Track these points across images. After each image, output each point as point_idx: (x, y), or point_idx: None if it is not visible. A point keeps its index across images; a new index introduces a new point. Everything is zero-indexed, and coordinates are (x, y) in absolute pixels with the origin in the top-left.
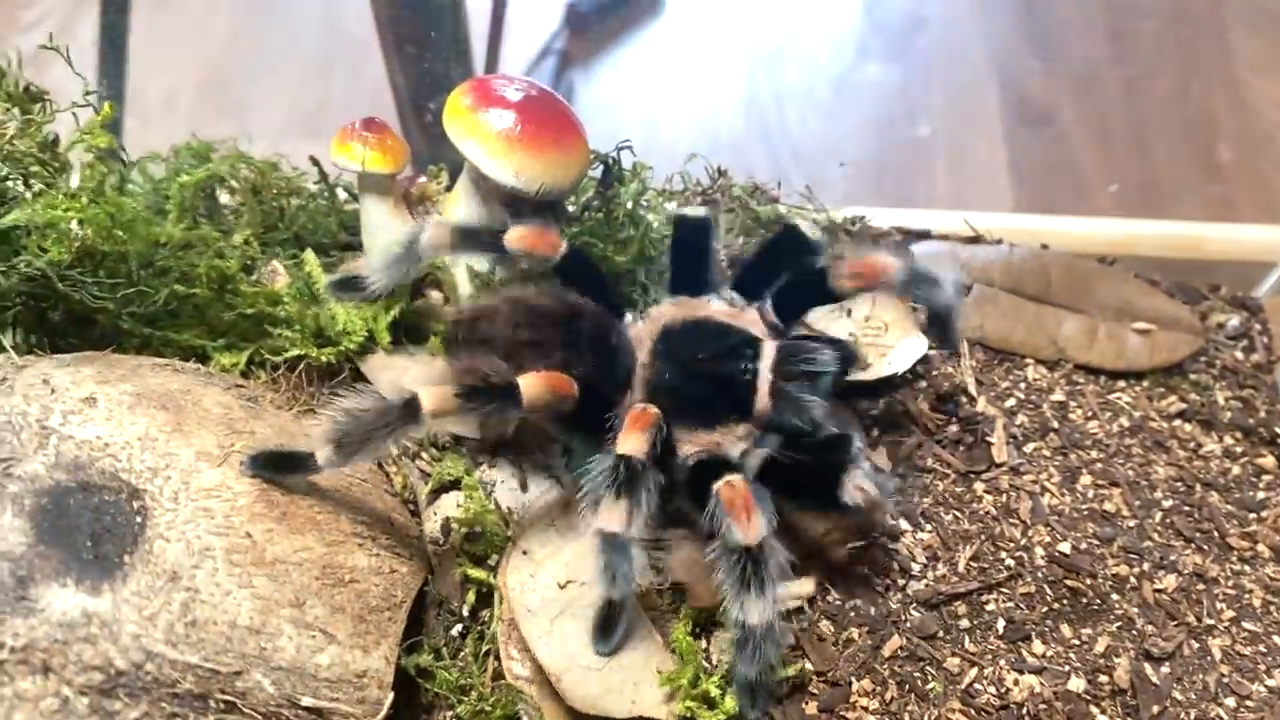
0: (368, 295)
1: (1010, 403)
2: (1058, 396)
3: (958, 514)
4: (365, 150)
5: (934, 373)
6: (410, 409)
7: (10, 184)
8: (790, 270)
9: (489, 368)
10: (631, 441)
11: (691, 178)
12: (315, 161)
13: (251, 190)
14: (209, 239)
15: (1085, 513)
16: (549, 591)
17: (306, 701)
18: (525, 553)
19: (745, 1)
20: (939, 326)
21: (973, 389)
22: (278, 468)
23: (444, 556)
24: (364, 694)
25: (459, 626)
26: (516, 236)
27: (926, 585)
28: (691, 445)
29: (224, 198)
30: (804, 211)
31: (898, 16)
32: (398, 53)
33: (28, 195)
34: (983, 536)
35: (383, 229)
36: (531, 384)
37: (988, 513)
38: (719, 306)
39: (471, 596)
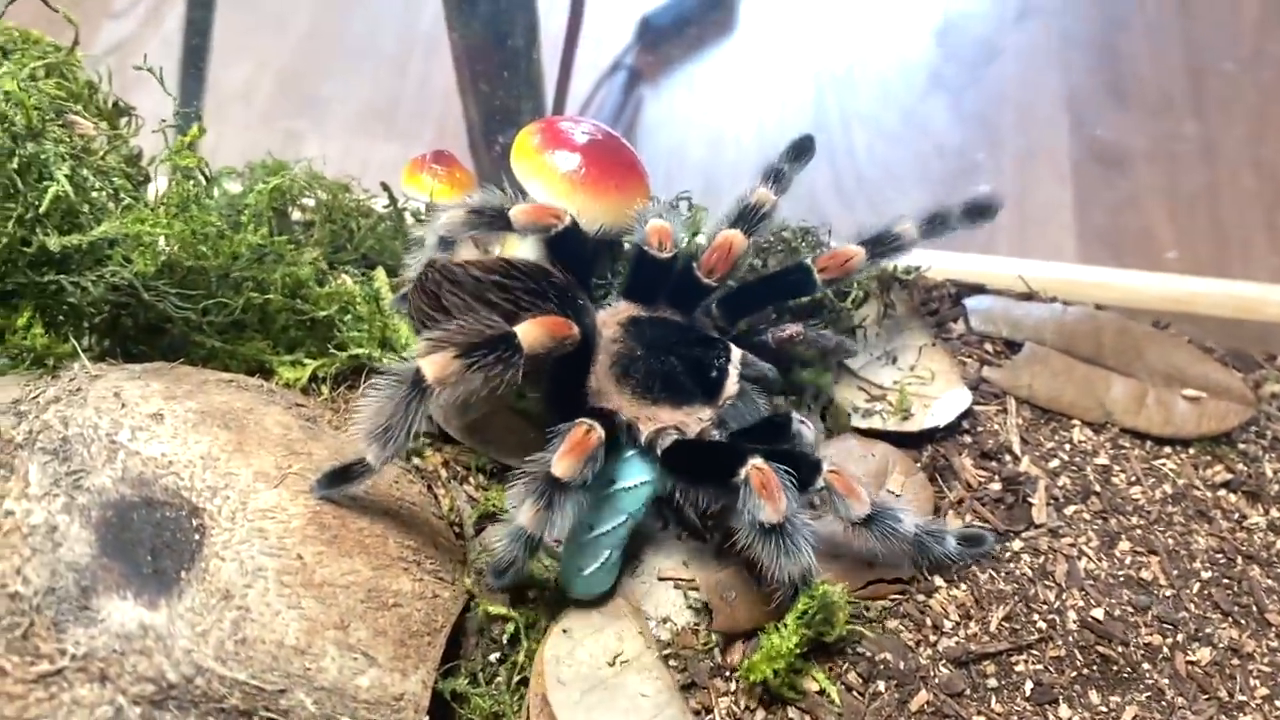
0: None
1: (1054, 463)
2: (1102, 460)
3: (993, 573)
4: (434, 182)
5: (979, 428)
6: (418, 381)
7: (97, 195)
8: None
9: (480, 324)
10: (565, 465)
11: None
12: (386, 187)
13: (323, 209)
14: (282, 248)
15: (1122, 579)
16: (584, 668)
17: None
18: (566, 631)
19: (818, 23)
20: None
21: (1017, 448)
22: (340, 482)
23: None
24: (400, 716)
25: (496, 654)
26: (521, 211)
27: (957, 643)
28: (653, 422)
29: (295, 215)
30: None
31: (971, 46)
32: (472, 88)
33: (113, 208)
34: (1016, 597)
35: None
36: (529, 329)
37: (1023, 573)
38: (670, 313)
39: (510, 626)
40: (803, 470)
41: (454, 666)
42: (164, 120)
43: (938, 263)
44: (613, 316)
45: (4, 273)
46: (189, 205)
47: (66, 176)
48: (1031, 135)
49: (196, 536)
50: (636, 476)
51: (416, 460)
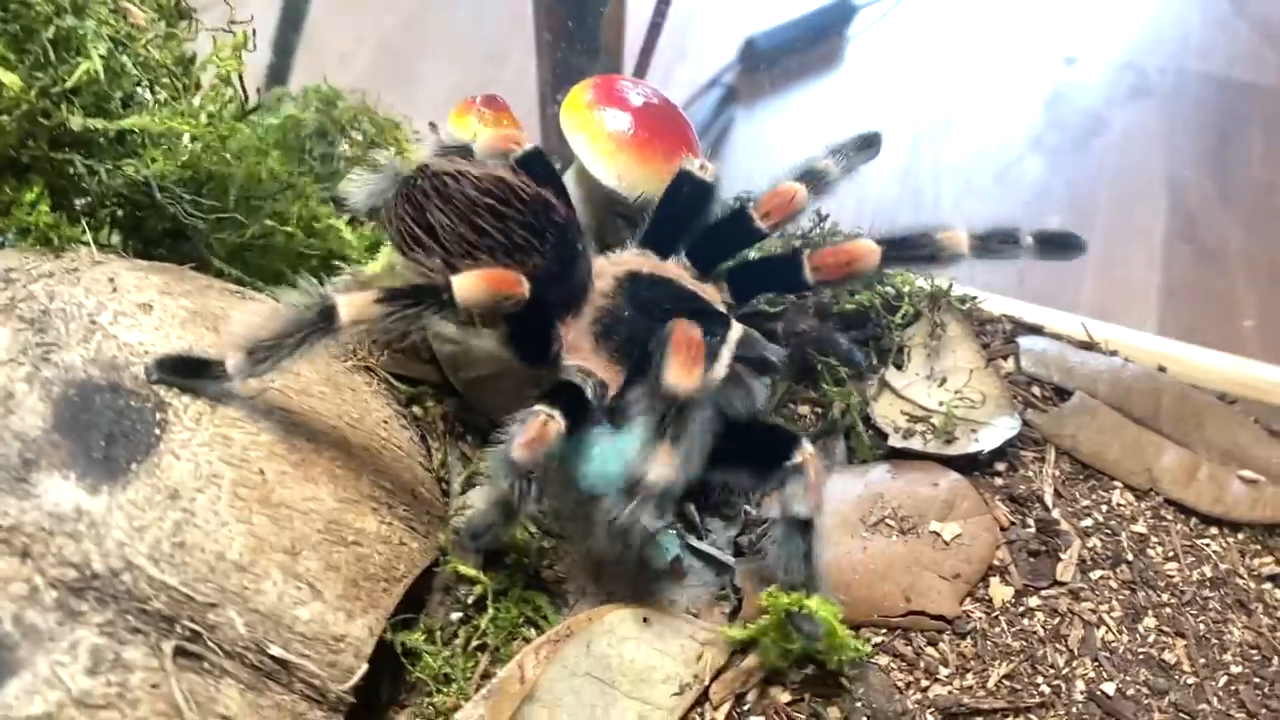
0: (348, 211)
1: (1086, 522)
2: (1139, 528)
3: (1004, 626)
4: (478, 125)
5: (1014, 472)
6: (327, 316)
7: (134, 87)
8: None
9: (423, 267)
10: (522, 454)
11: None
12: (434, 126)
13: (369, 145)
14: (307, 190)
15: (1141, 657)
16: (604, 662)
17: (274, 650)
18: (629, 620)
19: (925, 71)
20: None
21: (1049, 499)
22: (185, 373)
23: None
24: (338, 658)
25: (459, 614)
26: (481, 142)
27: (950, 692)
28: (631, 389)
29: (344, 147)
30: (900, 276)
31: (1078, 116)
32: (547, 46)
33: (149, 102)
34: (1023, 655)
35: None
36: (468, 284)
37: (1035, 632)
38: (682, 272)
39: (478, 589)
40: (778, 445)
41: (412, 620)
42: (222, 29)
43: (996, 299)
44: (613, 266)
45: (20, 143)
46: (223, 112)
47: (101, 58)
48: (1126, 213)
49: (157, 431)
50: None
51: (416, 408)
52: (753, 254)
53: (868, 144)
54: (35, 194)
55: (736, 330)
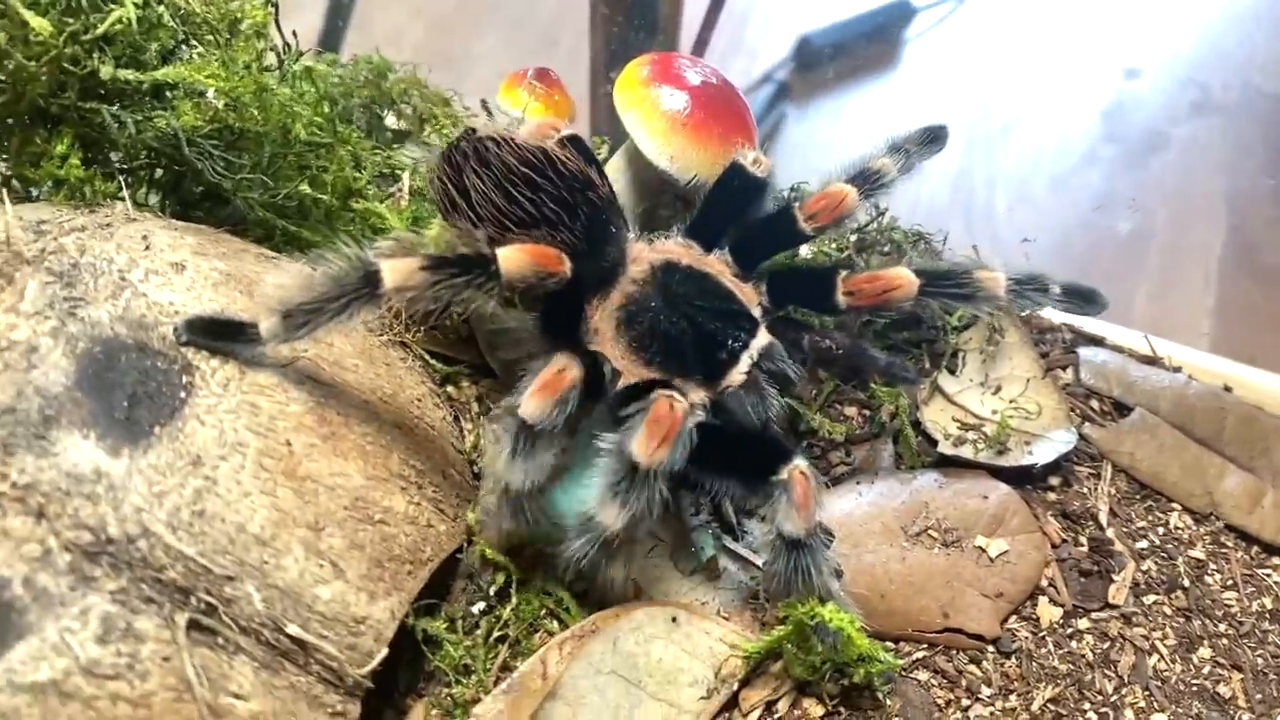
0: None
1: (1141, 544)
2: (1197, 553)
3: (1051, 648)
4: (529, 99)
5: (1068, 487)
6: (370, 282)
7: (182, 47)
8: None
9: (465, 237)
10: (533, 404)
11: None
12: (485, 105)
13: (418, 119)
14: (350, 139)
15: (1194, 688)
16: (630, 660)
17: (292, 629)
18: (662, 618)
19: (982, 76)
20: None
21: (1104, 518)
22: (216, 335)
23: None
24: (357, 641)
25: (481, 604)
26: (524, 130)
27: (991, 714)
28: (639, 383)
29: (390, 120)
30: None
31: (1138, 130)
32: (595, 14)
33: (186, 56)
34: (1070, 680)
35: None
36: (512, 257)
37: (1083, 656)
38: (723, 268)
39: (500, 578)
40: (767, 458)
41: (434, 607)
42: None
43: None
44: (650, 253)
45: (51, 92)
46: (252, 65)
47: (136, 6)
48: (1183, 230)
49: (182, 394)
50: None
51: (450, 388)
52: (796, 259)
53: (933, 138)
54: (65, 146)
55: (762, 339)
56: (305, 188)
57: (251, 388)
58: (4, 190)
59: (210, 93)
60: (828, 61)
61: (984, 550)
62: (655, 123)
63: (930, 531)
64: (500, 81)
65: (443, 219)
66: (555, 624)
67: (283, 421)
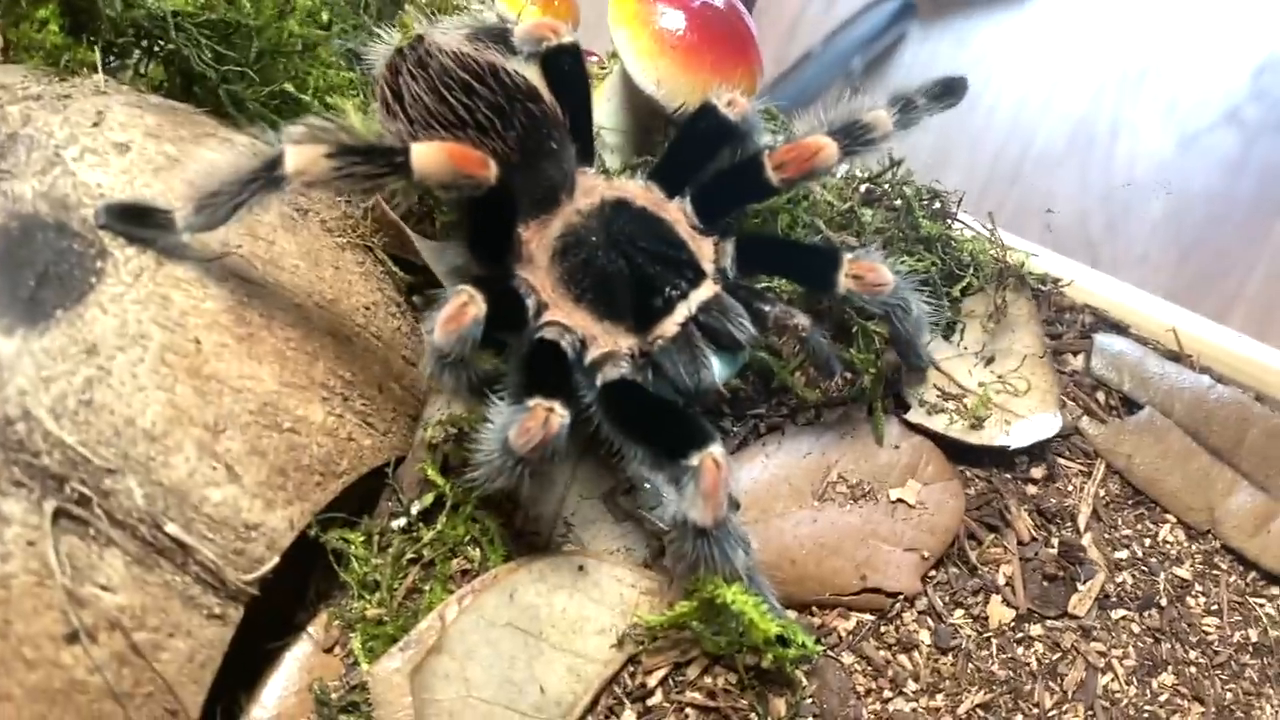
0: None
1: (1121, 554)
2: (1183, 572)
3: (994, 651)
4: (529, 2)
5: (1052, 482)
6: (271, 166)
7: None
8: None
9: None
10: (440, 334)
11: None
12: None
13: (431, 10)
14: (326, 57)
15: (1145, 715)
16: (531, 613)
17: (171, 529)
18: (562, 569)
19: (1125, 17)
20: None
21: (1083, 520)
22: (130, 221)
23: (420, 447)
24: (246, 547)
25: (401, 520)
26: (521, 27)
27: (912, 710)
28: (565, 319)
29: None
30: (973, 242)
31: None
32: None
33: None
34: (1006, 687)
35: None
36: (428, 153)
37: (1027, 664)
38: (680, 217)
39: (429, 499)
40: (682, 437)
41: (353, 522)
42: None
43: (1085, 282)
44: (606, 189)
45: None
46: None
47: None
48: None
49: (92, 279)
50: None
51: (417, 298)
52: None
53: (948, 91)
54: (47, 11)
55: (705, 292)
56: (289, 86)
57: (166, 280)
58: None
59: None
60: None
61: (901, 500)
62: (645, 42)
63: (839, 487)
64: None
65: (379, 123)
66: (476, 551)
67: (195, 318)
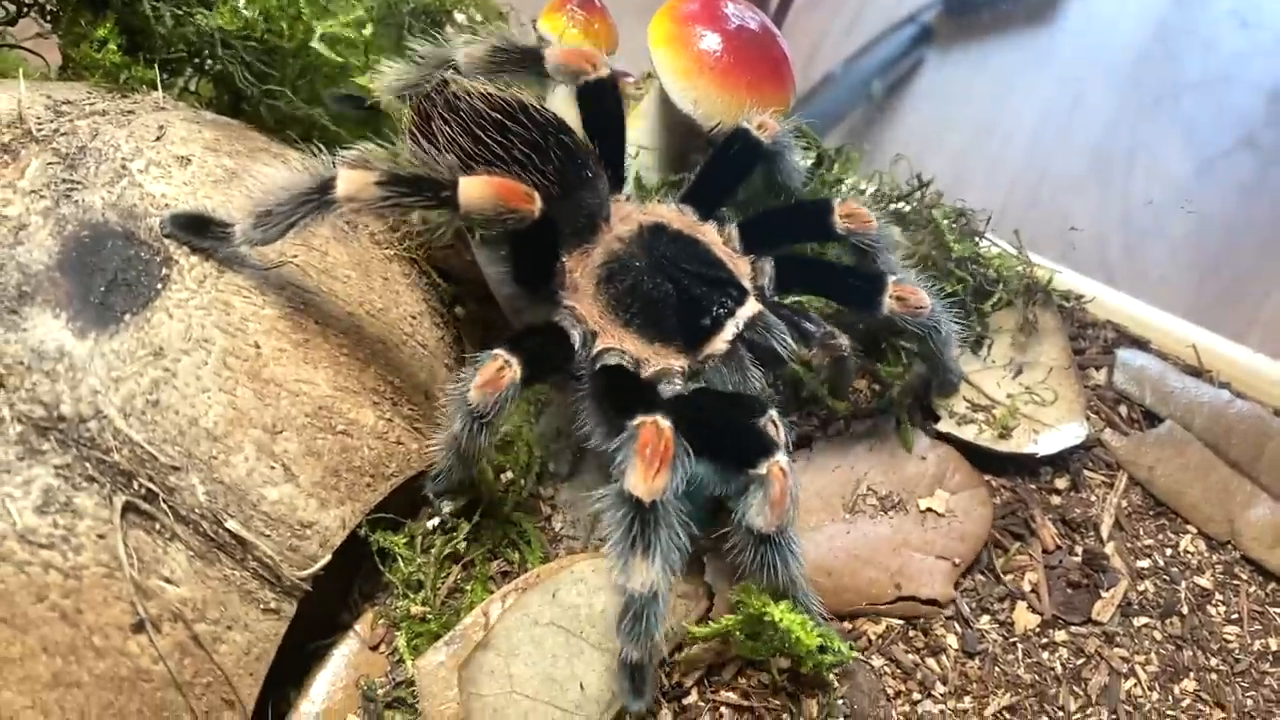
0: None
1: (1143, 563)
2: (1204, 582)
3: (1020, 655)
4: (568, 25)
5: (1075, 491)
6: (324, 189)
7: None
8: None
9: (434, 160)
10: (476, 395)
11: (893, 179)
12: (534, 24)
13: (471, 30)
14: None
15: (1168, 719)
16: (576, 611)
17: (231, 525)
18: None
19: (1145, 41)
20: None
21: (1105, 530)
22: (195, 231)
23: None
24: (301, 544)
25: (435, 520)
26: (554, 52)
27: (939, 711)
28: (617, 344)
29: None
30: (1000, 259)
31: None
32: None
33: None
34: (1032, 690)
35: (566, 104)
36: (475, 187)
37: (1052, 668)
38: (715, 237)
39: (462, 500)
40: (749, 447)
41: (398, 524)
42: None
43: (1107, 299)
44: (640, 214)
45: None
46: None
47: None
48: None
49: (159, 286)
50: None
51: (459, 309)
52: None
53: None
54: (106, 30)
55: (750, 308)
56: (319, 109)
57: (228, 287)
58: (20, 70)
59: (242, 1)
60: (981, 8)
61: (931, 510)
62: (681, 62)
63: (869, 499)
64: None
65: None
66: (515, 554)
67: (254, 324)
